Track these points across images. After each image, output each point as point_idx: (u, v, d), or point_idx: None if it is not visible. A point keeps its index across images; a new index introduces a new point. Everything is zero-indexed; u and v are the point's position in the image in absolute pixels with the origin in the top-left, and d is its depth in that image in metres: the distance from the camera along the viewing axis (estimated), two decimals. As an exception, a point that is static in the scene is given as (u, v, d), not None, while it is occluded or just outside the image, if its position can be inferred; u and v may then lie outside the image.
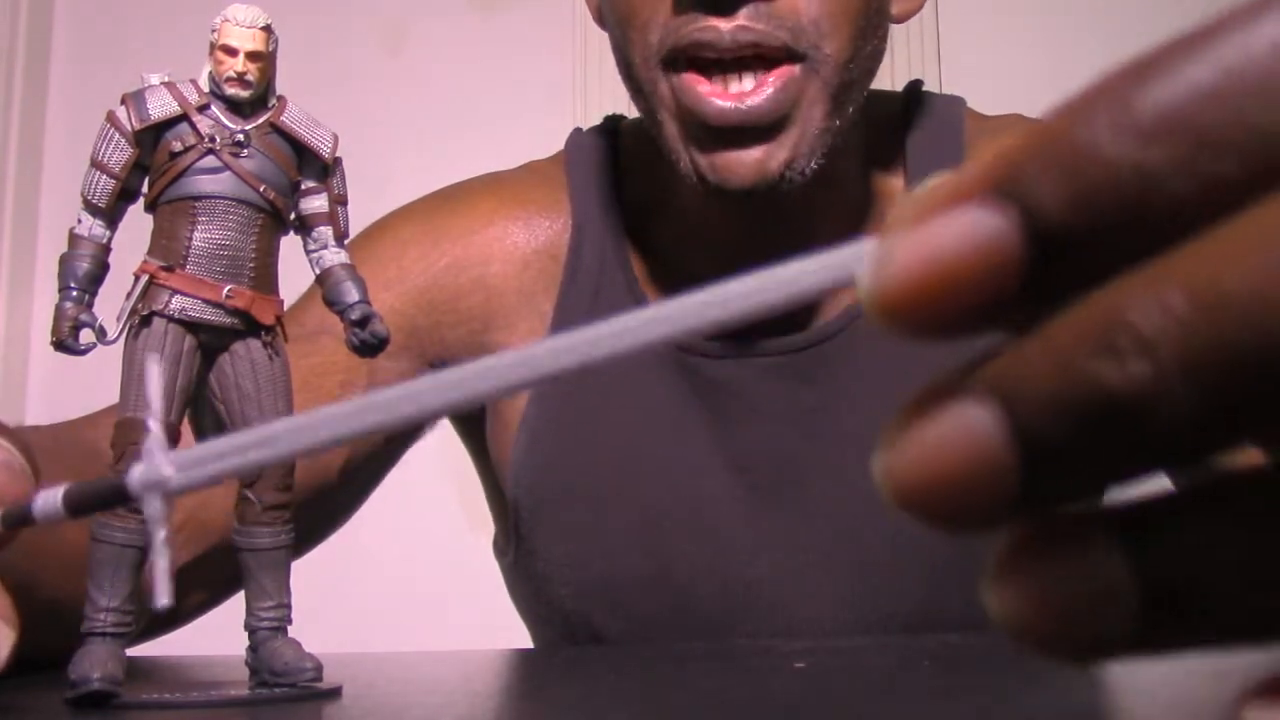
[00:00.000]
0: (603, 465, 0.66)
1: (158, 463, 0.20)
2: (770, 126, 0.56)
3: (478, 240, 0.70)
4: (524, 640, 0.77)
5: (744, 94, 0.55)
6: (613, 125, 0.75)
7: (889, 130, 0.70)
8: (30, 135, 1.90)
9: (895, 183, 0.69)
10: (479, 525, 1.58)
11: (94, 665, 0.34)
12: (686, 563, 0.64)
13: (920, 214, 0.14)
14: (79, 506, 0.23)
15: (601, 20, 0.65)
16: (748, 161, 0.56)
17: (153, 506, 0.20)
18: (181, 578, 0.58)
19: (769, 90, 0.55)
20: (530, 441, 0.67)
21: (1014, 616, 0.14)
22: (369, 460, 0.67)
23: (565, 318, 0.68)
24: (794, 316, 0.64)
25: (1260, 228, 0.12)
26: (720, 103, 0.55)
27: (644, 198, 0.70)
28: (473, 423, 0.73)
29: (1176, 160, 0.13)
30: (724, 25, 0.55)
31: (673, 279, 0.69)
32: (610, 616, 0.66)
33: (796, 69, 0.56)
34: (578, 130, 0.75)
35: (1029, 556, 0.14)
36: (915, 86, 0.72)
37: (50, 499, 0.24)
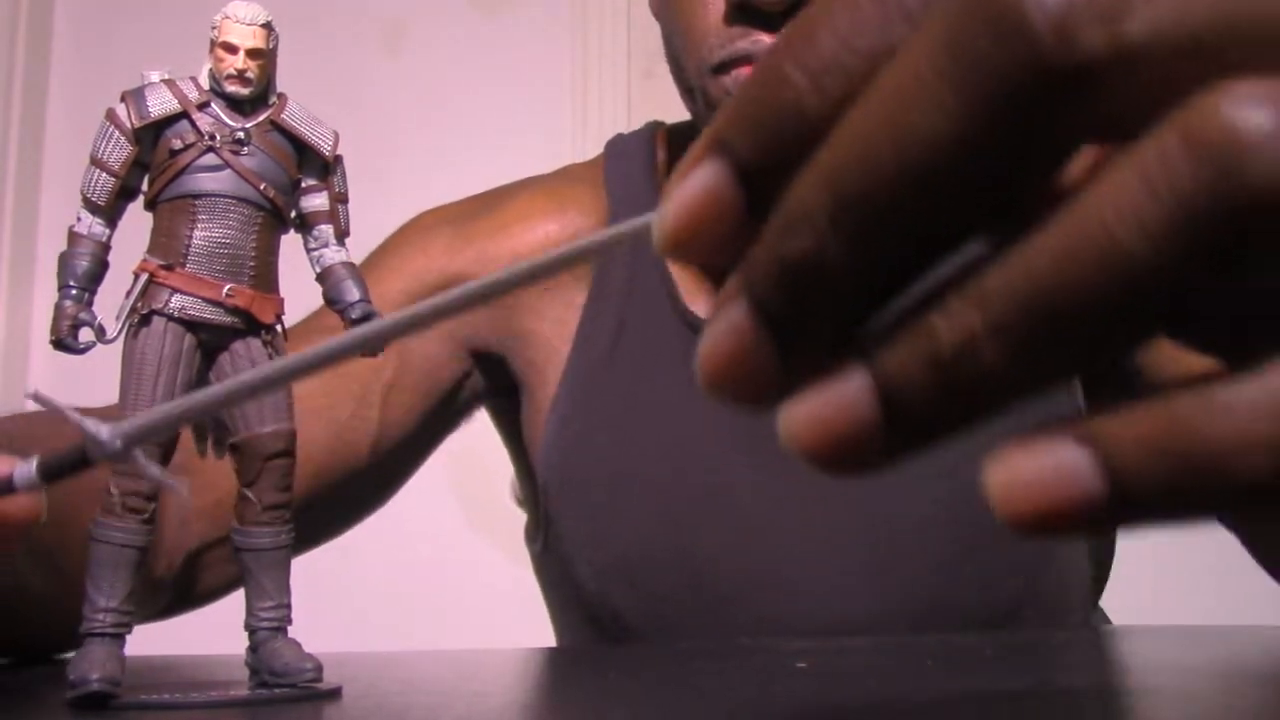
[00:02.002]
0: (625, 448, 0.68)
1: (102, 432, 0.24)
2: None
3: (507, 233, 0.72)
4: (524, 640, 0.77)
5: None
6: (652, 131, 0.77)
7: None
8: (30, 134, 1.90)
9: None
10: (479, 525, 1.59)
11: (93, 666, 0.33)
12: (705, 542, 0.66)
13: (678, 175, 0.19)
14: (49, 472, 0.27)
15: (658, 14, 0.68)
16: None
17: (134, 460, 0.25)
18: (217, 552, 0.60)
19: None
20: (559, 424, 0.69)
21: (795, 438, 0.18)
22: (397, 450, 0.69)
23: (597, 309, 0.70)
24: None
25: (855, 118, 0.17)
26: None
27: None
28: (507, 412, 0.75)
29: (806, 89, 0.18)
30: (771, 41, 0.59)
31: (708, 283, 0.70)
32: (630, 595, 0.67)
33: None
34: (619, 135, 0.78)
35: (805, 391, 0.18)
36: None
37: (26, 468, 0.27)
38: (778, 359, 0.18)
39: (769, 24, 0.58)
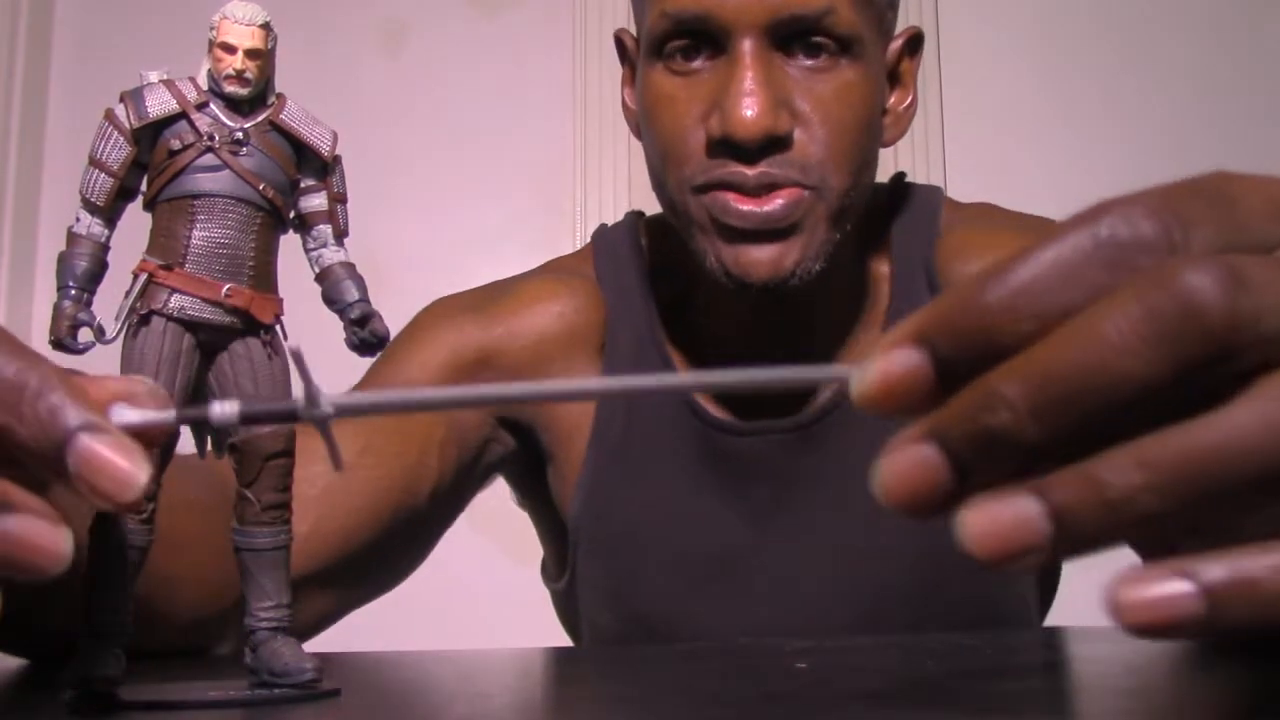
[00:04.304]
0: (642, 520, 0.76)
1: (321, 400, 0.28)
2: (783, 230, 0.66)
3: (527, 314, 0.78)
4: (525, 640, 0.77)
5: (762, 201, 0.66)
6: (634, 222, 0.83)
7: (877, 219, 0.79)
8: (30, 135, 1.90)
9: (882, 268, 0.78)
10: (480, 526, 1.58)
11: (93, 666, 0.33)
12: (714, 602, 0.74)
13: (881, 350, 0.26)
14: (252, 416, 0.29)
15: (638, 133, 0.75)
16: (764, 260, 0.67)
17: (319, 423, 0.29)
18: (304, 588, 0.63)
19: (780, 200, 0.66)
20: (585, 496, 0.77)
21: (976, 541, 0.25)
22: (446, 501, 0.75)
23: (610, 399, 0.78)
24: (793, 401, 0.76)
25: (1063, 347, 0.24)
26: (744, 207, 0.66)
27: (671, 293, 0.80)
28: (528, 480, 0.82)
29: (1001, 321, 0.25)
30: (749, 171, 0.66)
31: (701, 359, 0.78)
32: (649, 641, 0.75)
33: (805, 193, 0.67)
34: (603, 226, 0.85)
35: (980, 503, 0.25)
36: (899, 178, 0.82)
37: (227, 406, 0.29)
38: (958, 489, 0.25)
39: (747, 157, 0.65)
